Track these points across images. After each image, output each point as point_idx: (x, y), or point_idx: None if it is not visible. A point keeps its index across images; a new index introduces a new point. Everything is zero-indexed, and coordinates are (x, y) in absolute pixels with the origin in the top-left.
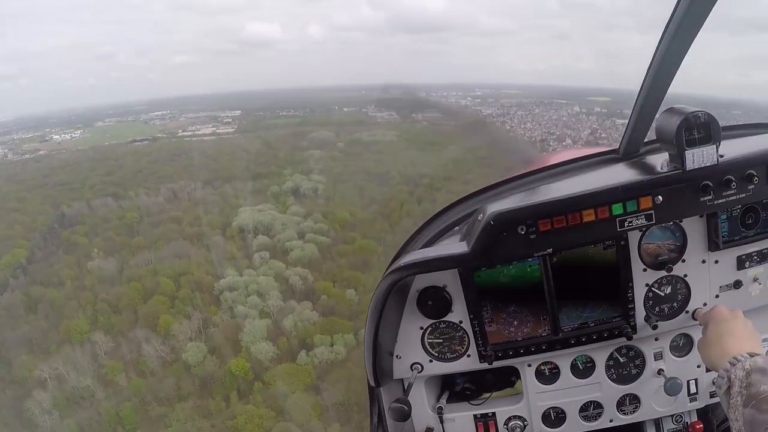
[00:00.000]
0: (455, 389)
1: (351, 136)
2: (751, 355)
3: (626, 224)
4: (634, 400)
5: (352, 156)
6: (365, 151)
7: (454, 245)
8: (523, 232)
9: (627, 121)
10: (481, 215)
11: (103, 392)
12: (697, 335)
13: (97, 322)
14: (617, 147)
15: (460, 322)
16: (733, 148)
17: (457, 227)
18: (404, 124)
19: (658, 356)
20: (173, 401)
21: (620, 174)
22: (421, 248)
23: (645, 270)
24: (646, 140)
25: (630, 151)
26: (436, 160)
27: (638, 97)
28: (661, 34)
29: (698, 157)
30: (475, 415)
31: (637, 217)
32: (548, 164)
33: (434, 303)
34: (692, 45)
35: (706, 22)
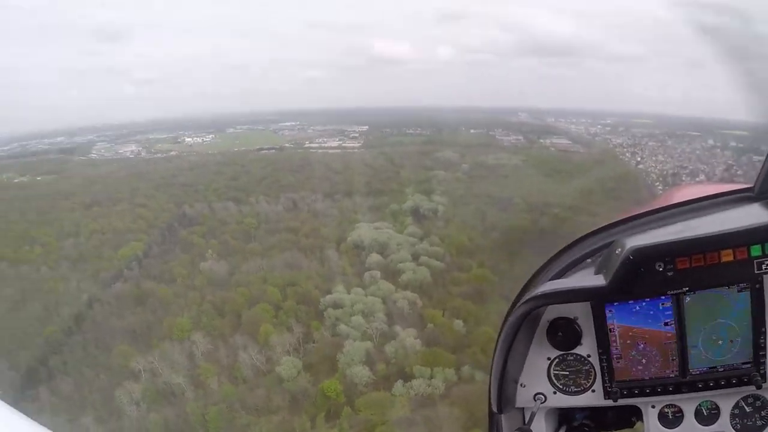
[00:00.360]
0: (573, 424)
1: (476, 159)
2: None
3: (764, 266)
4: None
5: (476, 179)
6: (490, 174)
7: (589, 278)
8: (660, 269)
9: (764, 158)
10: (620, 249)
11: (193, 392)
12: None
13: (200, 322)
14: (752, 185)
15: (588, 355)
16: None
17: (589, 259)
18: (531, 150)
19: None
20: (261, 413)
21: (757, 214)
22: (551, 278)
23: None
24: None
25: (765, 190)
26: (562, 188)
27: None
28: None
29: None
30: None
31: None
32: (680, 200)
33: (564, 334)
34: None
35: None
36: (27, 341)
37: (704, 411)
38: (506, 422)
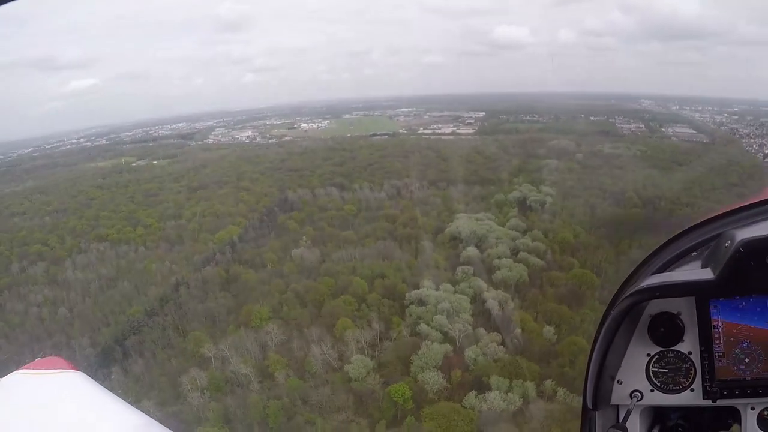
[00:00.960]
0: (667, 424)
1: (592, 148)
2: None
3: None
4: None
5: (590, 169)
6: (605, 164)
7: (695, 271)
8: None
9: None
10: (729, 241)
11: (259, 384)
12: None
13: (280, 311)
14: None
15: (689, 353)
16: None
17: (694, 252)
18: (651, 139)
19: None
20: (324, 411)
21: None
22: (656, 271)
23: None
24: None
25: None
26: (680, 182)
27: None
28: None
29: None
30: None
31: None
32: None
33: (666, 330)
34: None
35: None
36: (113, 319)
37: None
38: (599, 419)
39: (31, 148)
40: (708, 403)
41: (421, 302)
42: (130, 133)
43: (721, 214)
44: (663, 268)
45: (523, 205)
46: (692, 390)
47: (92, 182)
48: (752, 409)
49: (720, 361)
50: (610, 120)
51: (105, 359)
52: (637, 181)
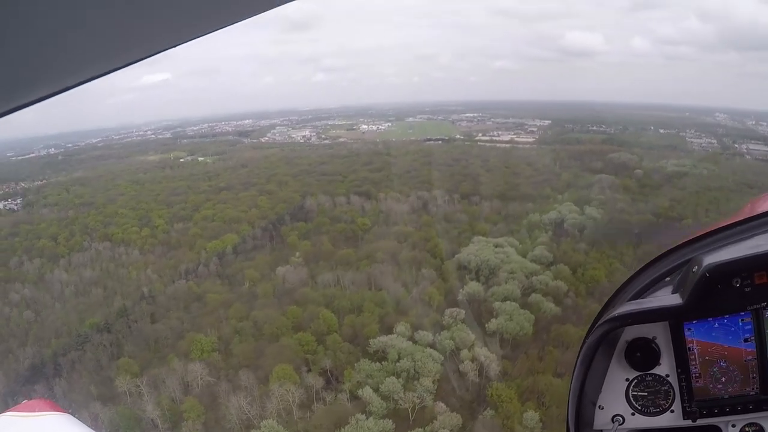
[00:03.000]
0: None
1: (655, 163)
2: None
3: None
4: None
5: (647, 189)
6: (665, 183)
7: (666, 297)
8: (738, 285)
9: None
10: (696, 266)
11: None
12: None
13: (229, 342)
14: None
15: (667, 375)
16: None
17: (668, 278)
18: (723, 156)
19: None
20: None
21: None
22: (631, 298)
23: None
24: None
25: None
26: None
27: None
28: None
29: None
30: None
31: None
32: (762, 211)
33: (643, 355)
34: None
35: None
36: (66, 330)
37: None
38: None
39: (99, 138)
40: (688, 423)
41: (382, 355)
42: (195, 128)
43: (692, 239)
44: (637, 295)
45: (559, 229)
46: (672, 411)
47: (131, 176)
48: (733, 426)
49: (697, 381)
50: (681, 134)
51: (34, 375)
52: (699, 205)
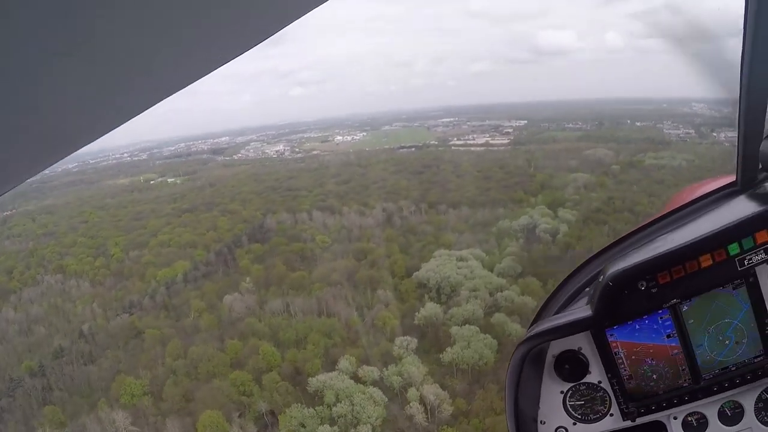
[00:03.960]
0: None
1: (632, 157)
2: None
3: (746, 262)
4: None
5: (624, 185)
6: (643, 178)
7: (580, 309)
8: (643, 288)
9: (736, 149)
10: (602, 276)
11: None
12: None
13: (163, 383)
14: (735, 177)
15: (599, 382)
16: None
17: (586, 289)
18: (701, 146)
19: None
20: None
21: (736, 210)
22: (555, 313)
23: None
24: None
25: (748, 181)
26: None
27: (738, 122)
28: (741, 52)
29: None
30: None
31: (756, 252)
32: (670, 209)
33: (571, 367)
34: None
35: None
36: (0, 375)
37: (728, 411)
38: None
39: (75, 164)
40: (629, 423)
41: (321, 393)
42: (172, 148)
43: (604, 249)
44: (560, 310)
45: (531, 236)
46: (611, 415)
47: (98, 202)
48: (675, 418)
49: (630, 382)
50: (658, 125)
51: None
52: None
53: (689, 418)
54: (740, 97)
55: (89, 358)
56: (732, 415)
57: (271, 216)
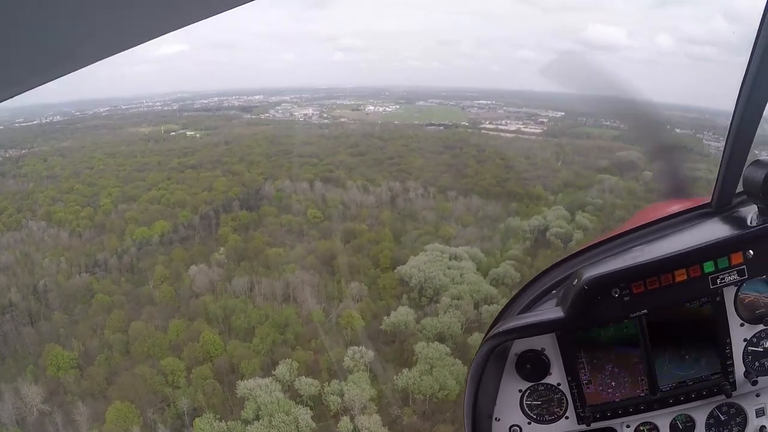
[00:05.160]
0: None
1: None
2: None
3: (719, 281)
4: None
5: (653, 195)
6: None
7: (550, 310)
8: (617, 295)
9: (718, 171)
10: (576, 280)
11: None
12: None
13: (92, 360)
14: (710, 199)
15: (558, 384)
16: None
17: (554, 291)
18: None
19: (760, 412)
20: None
21: (712, 230)
22: (519, 313)
23: (742, 325)
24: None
25: (722, 204)
26: None
27: (725, 147)
28: (742, 78)
29: None
30: None
31: (729, 273)
32: (644, 222)
33: (533, 366)
34: None
35: None
36: None
37: (679, 425)
38: None
39: (107, 108)
40: (583, 427)
41: (248, 397)
42: (205, 101)
43: (575, 253)
44: (525, 309)
45: (540, 239)
46: (567, 417)
47: (113, 149)
48: (627, 426)
49: (588, 387)
50: (698, 135)
51: None
52: None
53: (642, 428)
54: (731, 123)
55: (35, 317)
56: (683, 428)
57: (271, 182)
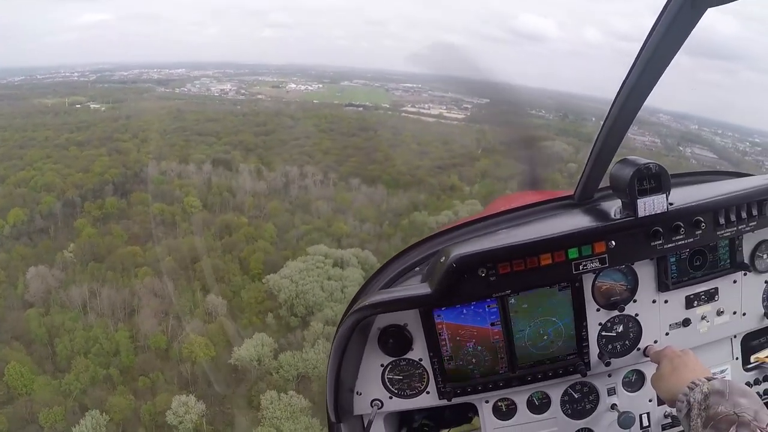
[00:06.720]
0: (413, 425)
1: None
2: (708, 380)
3: (581, 267)
4: None
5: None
6: None
7: (416, 286)
8: (483, 275)
9: (583, 167)
10: (444, 257)
11: None
12: (648, 371)
13: None
14: (573, 192)
15: (420, 359)
16: (682, 196)
17: (417, 268)
18: (668, 157)
19: (612, 392)
20: None
21: (576, 220)
22: (381, 288)
23: (598, 310)
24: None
25: (585, 197)
26: None
27: (594, 145)
28: (621, 83)
29: (649, 206)
30: None
31: (591, 260)
32: (506, 208)
33: (395, 341)
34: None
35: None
36: None
37: (536, 401)
38: (346, 430)
39: (22, 77)
40: (444, 402)
41: None
42: (126, 73)
43: (440, 231)
44: (389, 284)
45: None
46: (428, 392)
47: (5, 122)
48: (486, 402)
49: (449, 363)
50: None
51: None
52: None
53: (500, 403)
54: (605, 120)
55: None
56: (539, 404)
57: (157, 163)
